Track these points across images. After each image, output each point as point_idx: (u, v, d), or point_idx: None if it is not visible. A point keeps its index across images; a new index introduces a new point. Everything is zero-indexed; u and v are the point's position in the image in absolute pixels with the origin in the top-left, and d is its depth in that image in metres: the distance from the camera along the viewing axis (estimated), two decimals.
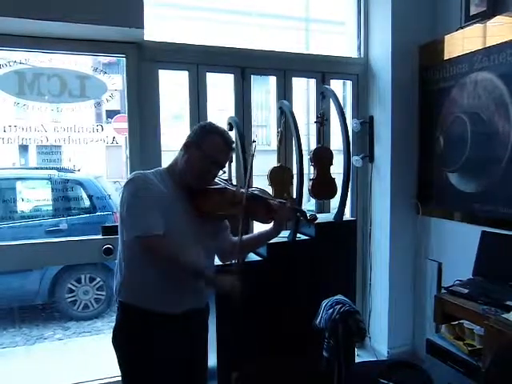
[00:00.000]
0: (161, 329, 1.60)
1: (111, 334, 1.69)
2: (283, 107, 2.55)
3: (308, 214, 1.94)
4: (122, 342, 1.66)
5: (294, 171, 2.55)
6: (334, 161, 2.68)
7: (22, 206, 2.99)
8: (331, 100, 2.69)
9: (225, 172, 1.72)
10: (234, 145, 1.70)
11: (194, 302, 1.69)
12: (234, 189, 1.76)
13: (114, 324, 1.70)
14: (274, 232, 1.82)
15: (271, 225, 1.82)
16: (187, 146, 1.65)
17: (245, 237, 1.78)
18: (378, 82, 3.07)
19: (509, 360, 1.60)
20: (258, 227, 2.02)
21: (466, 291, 2.14)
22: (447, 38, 2.75)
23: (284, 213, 1.77)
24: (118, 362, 1.68)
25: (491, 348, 1.74)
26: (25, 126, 2.43)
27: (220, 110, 3.23)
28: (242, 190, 1.74)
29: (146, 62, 2.53)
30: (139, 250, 1.54)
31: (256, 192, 1.81)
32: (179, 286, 1.61)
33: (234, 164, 2.47)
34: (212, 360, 2.30)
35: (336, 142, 2.94)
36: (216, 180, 1.75)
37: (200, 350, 1.81)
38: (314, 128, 2.89)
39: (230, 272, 1.66)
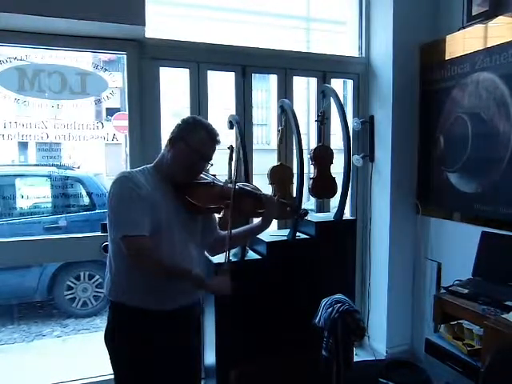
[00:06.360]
0: (152, 327, 1.59)
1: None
2: (284, 105, 2.54)
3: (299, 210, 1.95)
4: (113, 342, 1.65)
5: (295, 170, 2.55)
6: (335, 160, 2.68)
7: (22, 203, 2.98)
8: (332, 99, 2.68)
9: (212, 165, 1.72)
10: (219, 137, 1.68)
11: (185, 298, 1.68)
12: (222, 183, 1.80)
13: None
14: (264, 226, 1.83)
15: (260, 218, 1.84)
16: (172, 142, 1.64)
17: (234, 230, 1.78)
18: (378, 81, 3.07)
19: (508, 360, 1.60)
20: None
21: (466, 291, 2.14)
22: (449, 37, 2.74)
23: (272, 207, 1.79)
24: (111, 360, 1.67)
25: (490, 348, 1.74)
26: (25, 123, 2.42)
27: (220, 108, 3.22)
28: (230, 185, 1.77)
29: (146, 59, 2.53)
30: (124, 250, 1.53)
31: (243, 186, 1.83)
32: (169, 284, 1.60)
33: (233, 163, 2.46)
34: (211, 359, 2.31)
35: (336, 141, 2.94)
36: (203, 176, 1.77)
37: (193, 347, 1.80)
38: (314, 127, 2.89)
39: (221, 272, 1.65)
